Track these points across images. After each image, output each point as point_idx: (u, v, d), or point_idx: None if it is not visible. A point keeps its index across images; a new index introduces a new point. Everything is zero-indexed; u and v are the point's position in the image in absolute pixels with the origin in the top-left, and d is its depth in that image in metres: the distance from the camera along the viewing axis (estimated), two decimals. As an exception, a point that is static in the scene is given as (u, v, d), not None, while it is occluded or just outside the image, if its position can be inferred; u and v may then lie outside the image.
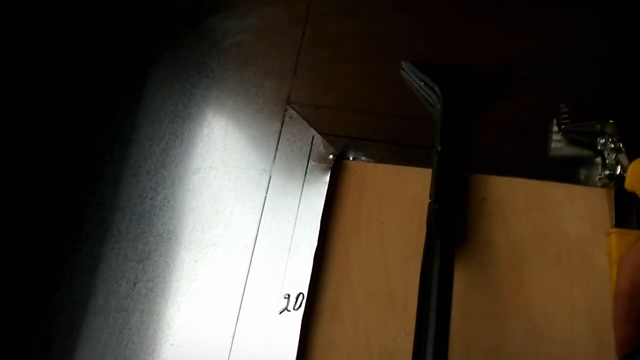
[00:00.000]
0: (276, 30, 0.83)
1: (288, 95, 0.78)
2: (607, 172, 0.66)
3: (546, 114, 0.72)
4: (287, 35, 0.82)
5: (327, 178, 0.71)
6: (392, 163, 0.72)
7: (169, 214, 0.73)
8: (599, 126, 0.68)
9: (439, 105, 0.72)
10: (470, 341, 0.63)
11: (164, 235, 0.72)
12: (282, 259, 0.68)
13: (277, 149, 0.74)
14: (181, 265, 0.70)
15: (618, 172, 0.65)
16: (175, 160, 0.75)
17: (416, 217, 0.69)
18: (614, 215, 0.65)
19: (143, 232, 0.72)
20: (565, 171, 0.70)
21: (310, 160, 0.72)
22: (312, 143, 0.74)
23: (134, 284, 0.69)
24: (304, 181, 0.71)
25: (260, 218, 0.71)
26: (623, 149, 0.66)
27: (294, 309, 0.65)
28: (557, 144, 0.70)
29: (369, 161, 0.73)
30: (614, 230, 0.64)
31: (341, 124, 0.75)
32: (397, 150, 0.73)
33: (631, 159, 0.64)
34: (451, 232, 0.64)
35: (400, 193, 0.70)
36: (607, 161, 0.66)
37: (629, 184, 0.63)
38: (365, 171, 0.72)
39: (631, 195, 0.63)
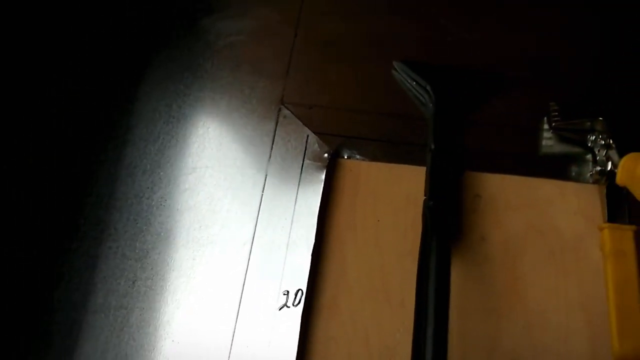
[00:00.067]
0: (269, 31, 0.84)
1: (282, 95, 0.78)
2: (598, 168, 0.67)
3: (537, 112, 0.73)
4: (280, 36, 0.83)
5: (323, 176, 0.72)
6: (386, 161, 0.73)
7: (166, 213, 0.73)
8: (588, 123, 0.70)
9: (431, 104, 0.74)
10: (467, 336, 0.64)
11: (162, 234, 0.72)
12: (280, 256, 0.69)
13: (272, 148, 0.75)
14: (179, 264, 0.70)
15: (609, 168, 0.67)
16: (170, 160, 0.76)
17: (411, 214, 0.70)
18: (606, 210, 0.66)
19: (140, 231, 0.72)
20: (557, 168, 0.71)
21: (305, 159, 0.73)
22: (306, 142, 0.74)
23: (133, 282, 0.70)
24: (299, 179, 0.72)
25: (257, 216, 0.71)
26: (613, 146, 0.67)
27: (293, 305, 0.66)
28: (548, 141, 0.72)
29: (363, 159, 0.74)
30: (607, 225, 0.65)
31: (335, 123, 0.76)
32: (390, 148, 0.74)
33: (622, 154, 0.65)
34: (446, 228, 0.65)
35: (395, 190, 0.71)
36: (597, 158, 0.68)
37: (620, 179, 0.64)
38: (359, 169, 0.73)
39: (622, 190, 0.65)
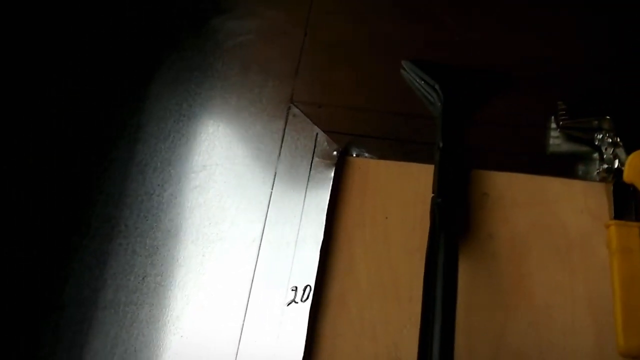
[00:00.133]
0: (278, 31, 0.84)
1: (291, 94, 0.79)
2: (605, 166, 0.68)
3: (545, 111, 0.74)
4: (289, 36, 0.84)
5: (332, 174, 0.72)
6: (394, 159, 0.74)
7: (176, 210, 0.74)
8: (596, 122, 0.70)
9: (439, 103, 0.74)
10: (474, 332, 0.64)
11: (171, 230, 0.73)
12: (289, 253, 0.69)
13: (281, 146, 0.75)
14: (189, 260, 0.71)
15: (616, 165, 0.67)
16: (181, 157, 0.77)
17: (419, 211, 0.70)
18: (613, 207, 0.66)
19: (151, 228, 0.73)
20: (564, 167, 0.72)
21: (314, 157, 0.74)
22: (315, 140, 0.75)
23: (143, 278, 0.70)
24: (308, 177, 0.73)
25: (266, 213, 0.72)
26: (621, 144, 0.67)
27: (301, 300, 0.66)
28: (556, 140, 0.72)
29: (371, 157, 0.74)
30: (613, 222, 0.65)
31: (344, 122, 0.77)
32: (398, 146, 0.75)
33: (629, 152, 0.66)
34: (454, 225, 0.66)
35: (403, 188, 0.72)
36: (604, 156, 0.68)
37: (627, 176, 0.64)
38: (368, 167, 0.73)
39: (630, 187, 0.65)
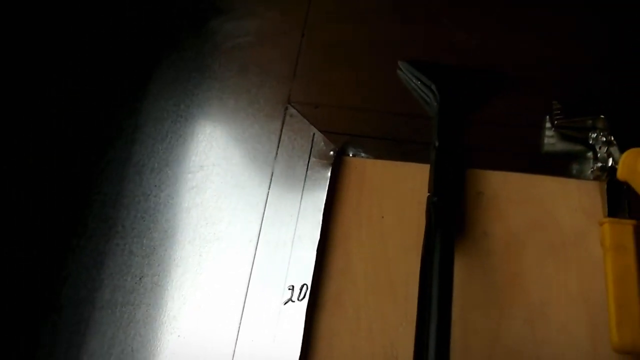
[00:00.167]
0: (276, 32, 0.85)
1: (288, 94, 0.80)
2: (599, 164, 0.68)
3: (540, 111, 0.75)
4: (287, 37, 0.84)
5: (328, 174, 0.73)
6: (390, 159, 0.74)
7: (173, 211, 0.74)
8: (590, 121, 0.71)
9: (435, 103, 0.75)
10: (470, 329, 0.65)
11: (169, 231, 0.73)
12: (286, 252, 0.70)
13: (278, 147, 0.76)
14: (186, 260, 0.71)
15: (610, 164, 0.67)
16: (178, 158, 0.77)
17: (415, 210, 0.71)
18: (607, 205, 0.67)
19: (148, 229, 0.73)
20: (559, 166, 0.72)
21: (311, 156, 0.74)
22: (312, 140, 0.75)
23: (140, 279, 0.71)
24: (305, 177, 0.73)
25: (263, 213, 0.72)
26: (614, 142, 0.68)
27: (298, 299, 0.67)
28: (550, 139, 0.73)
29: (368, 157, 0.75)
30: (607, 219, 0.66)
31: (340, 122, 0.77)
32: (394, 146, 0.75)
33: (622, 151, 0.66)
34: (450, 223, 0.66)
35: (399, 187, 0.72)
36: (598, 154, 0.69)
37: (621, 174, 0.65)
38: (364, 167, 0.74)
39: (623, 185, 0.66)
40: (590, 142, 0.70)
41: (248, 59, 0.83)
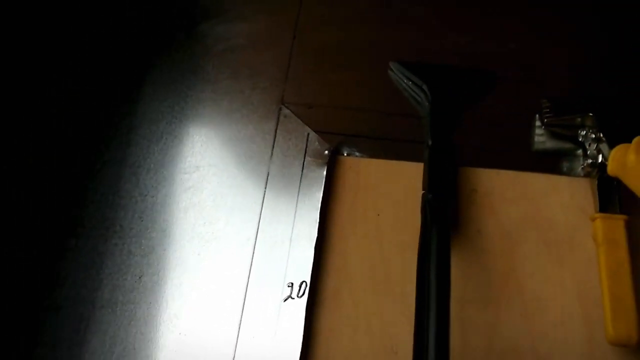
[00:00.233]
0: (267, 35, 0.86)
1: (282, 95, 0.80)
2: (589, 161, 0.70)
3: (530, 109, 0.76)
4: (278, 39, 0.85)
5: (324, 173, 0.74)
6: (385, 158, 0.76)
7: (171, 211, 0.75)
8: (579, 119, 0.72)
9: (427, 103, 0.76)
10: (467, 325, 0.66)
11: (167, 230, 0.73)
12: (284, 250, 0.70)
13: (273, 147, 0.77)
14: (185, 259, 0.72)
15: (600, 160, 0.69)
16: (174, 159, 0.78)
17: (409, 208, 0.72)
18: (598, 201, 0.68)
19: (146, 228, 0.74)
20: (550, 163, 0.74)
21: (306, 156, 0.75)
22: (307, 140, 0.76)
23: (140, 278, 0.71)
24: (301, 176, 0.74)
25: (261, 212, 0.73)
26: (604, 139, 0.69)
27: (297, 296, 0.67)
28: (541, 137, 0.74)
29: (362, 156, 0.76)
30: (599, 215, 0.67)
31: (334, 122, 0.78)
32: (388, 145, 0.76)
33: (612, 147, 0.67)
34: (446, 219, 0.67)
35: (394, 186, 0.73)
36: (588, 151, 0.70)
37: (611, 169, 0.66)
38: (359, 166, 0.75)
39: (613, 181, 0.67)
40: (580, 139, 0.72)
41: (240, 61, 0.84)
